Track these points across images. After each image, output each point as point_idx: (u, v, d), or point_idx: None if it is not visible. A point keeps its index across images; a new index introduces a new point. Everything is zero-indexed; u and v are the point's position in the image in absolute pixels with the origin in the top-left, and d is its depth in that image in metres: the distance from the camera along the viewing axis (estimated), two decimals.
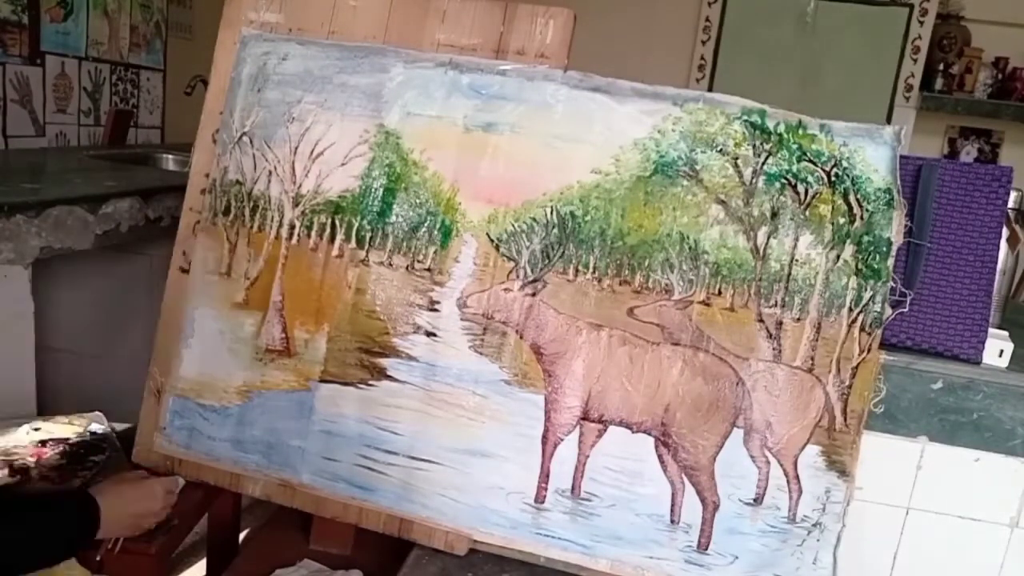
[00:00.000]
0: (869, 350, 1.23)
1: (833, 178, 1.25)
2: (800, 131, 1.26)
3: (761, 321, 1.26)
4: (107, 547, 1.25)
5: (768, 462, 1.26)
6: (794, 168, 1.26)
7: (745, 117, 1.28)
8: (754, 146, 1.27)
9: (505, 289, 1.33)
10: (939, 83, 4.02)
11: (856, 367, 1.24)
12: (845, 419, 1.24)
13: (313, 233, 1.42)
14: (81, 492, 1.15)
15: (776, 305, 1.26)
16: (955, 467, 1.26)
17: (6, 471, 1.41)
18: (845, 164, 1.24)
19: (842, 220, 1.24)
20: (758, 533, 1.26)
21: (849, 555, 1.25)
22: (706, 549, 1.28)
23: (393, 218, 1.39)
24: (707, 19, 4.26)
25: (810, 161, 1.25)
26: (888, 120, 4.04)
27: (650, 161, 1.30)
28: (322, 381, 1.40)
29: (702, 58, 4.29)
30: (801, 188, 1.26)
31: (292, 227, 1.43)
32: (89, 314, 2.17)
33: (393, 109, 1.40)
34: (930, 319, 1.27)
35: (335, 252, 1.41)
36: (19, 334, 1.57)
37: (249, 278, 1.45)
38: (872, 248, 1.23)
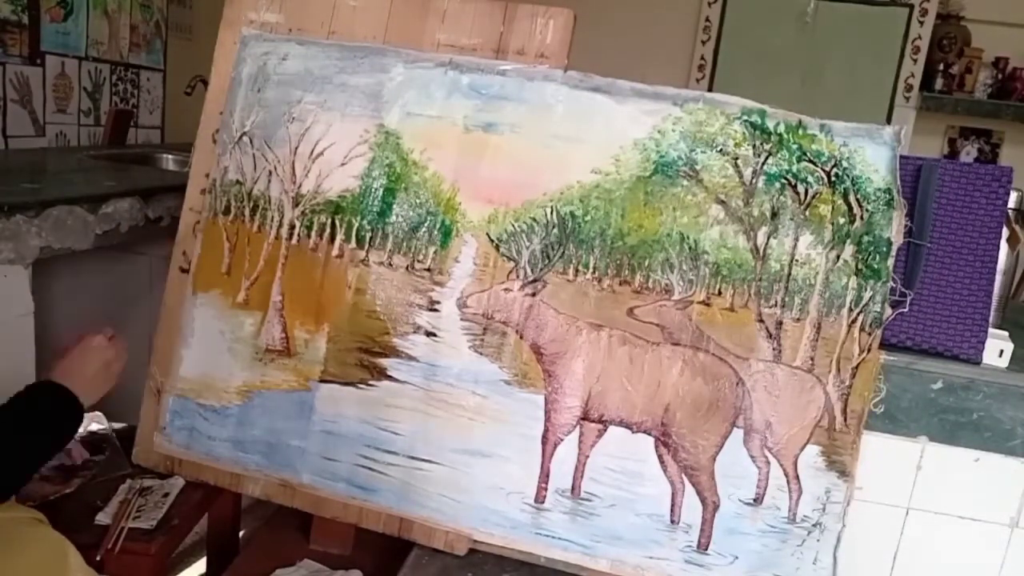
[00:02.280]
0: (869, 350, 1.23)
1: (833, 178, 1.25)
2: (800, 131, 1.26)
3: (761, 321, 1.26)
4: (107, 547, 1.25)
5: (768, 462, 1.26)
6: (794, 168, 1.26)
7: (745, 117, 1.28)
8: (754, 146, 1.27)
9: (505, 289, 1.33)
10: (939, 83, 4.01)
11: (856, 367, 1.24)
12: (845, 419, 1.24)
13: (313, 233, 1.42)
14: (38, 384, 1.15)
15: (776, 305, 1.26)
16: (955, 467, 1.26)
17: None
18: (845, 164, 1.24)
19: (842, 220, 1.24)
20: (758, 533, 1.26)
21: (849, 555, 1.25)
22: (706, 549, 1.28)
23: (393, 218, 1.39)
24: (707, 19, 4.26)
25: (810, 161, 1.25)
26: (888, 120, 4.04)
27: (650, 161, 1.30)
28: (322, 381, 1.40)
29: (702, 58, 4.29)
30: (801, 188, 1.26)
31: (292, 227, 1.43)
32: (89, 314, 2.17)
33: (393, 109, 1.40)
34: (930, 319, 1.27)
35: (335, 252, 1.41)
36: (19, 334, 1.57)
37: (249, 278, 1.45)
38: (872, 248, 1.23)
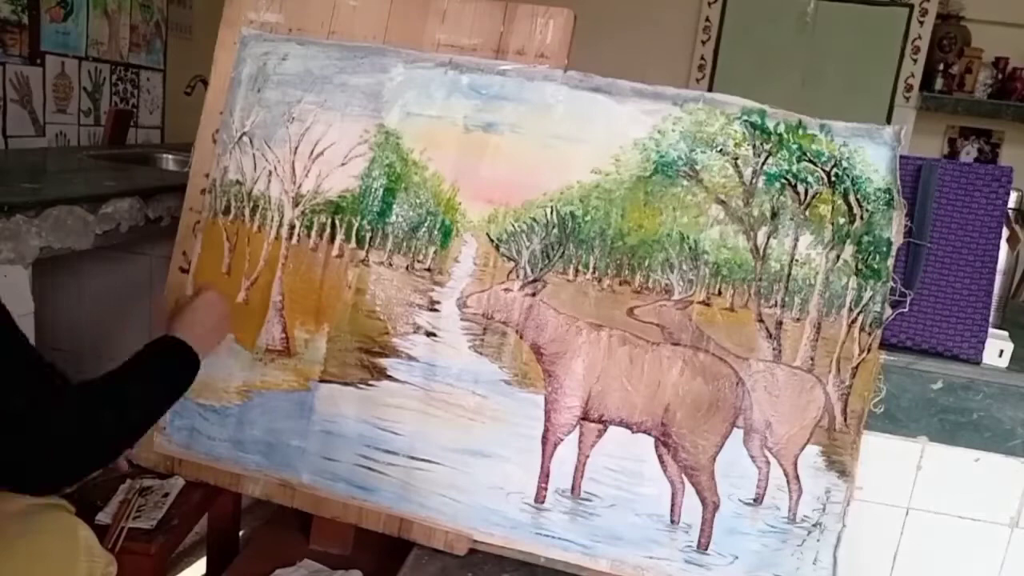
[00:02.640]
0: (869, 350, 1.23)
1: (833, 178, 1.25)
2: (800, 131, 1.26)
3: (761, 321, 1.26)
4: (107, 547, 1.25)
5: (768, 462, 1.26)
6: (794, 168, 1.26)
7: (745, 117, 1.28)
8: (754, 146, 1.27)
9: (505, 289, 1.33)
10: (939, 83, 4.02)
11: (856, 367, 1.24)
12: (845, 419, 1.24)
13: (313, 233, 1.42)
14: (158, 339, 1.21)
15: (776, 305, 1.26)
16: (955, 467, 1.26)
17: None
18: (845, 164, 1.24)
19: (842, 220, 1.24)
20: (758, 533, 1.26)
21: (849, 555, 1.25)
22: (706, 549, 1.28)
23: (393, 218, 1.39)
24: (707, 19, 4.26)
25: (810, 161, 1.25)
26: (888, 120, 4.04)
27: (650, 161, 1.30)
28: (322, 381, 1.40)
29: (702, 58, 4.29)
30: (801, 188, 1.26)
31: (292, 227, 1.43)
32: (89, 314, 2.17)
33: (393, 109, 1.40)
34: (930, 319, 1.26)
35: (335, 252, 1.41)
36: None
37: (249, 278, 1.45)
38: (872, 248, 1.23)
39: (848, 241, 1.24)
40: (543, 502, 1.33)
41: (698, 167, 1.29)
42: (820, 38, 4.13)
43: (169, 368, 1.18)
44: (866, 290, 1.23)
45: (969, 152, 4.19)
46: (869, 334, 1.23)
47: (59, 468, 1.00)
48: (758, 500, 1.27)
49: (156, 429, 1.48)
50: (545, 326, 1.32)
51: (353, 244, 1.40)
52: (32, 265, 1.54)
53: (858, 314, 1.24)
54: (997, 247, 1.26)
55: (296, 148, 1.43)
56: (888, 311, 1.23)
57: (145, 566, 1.27)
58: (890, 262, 1.23)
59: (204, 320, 1.27)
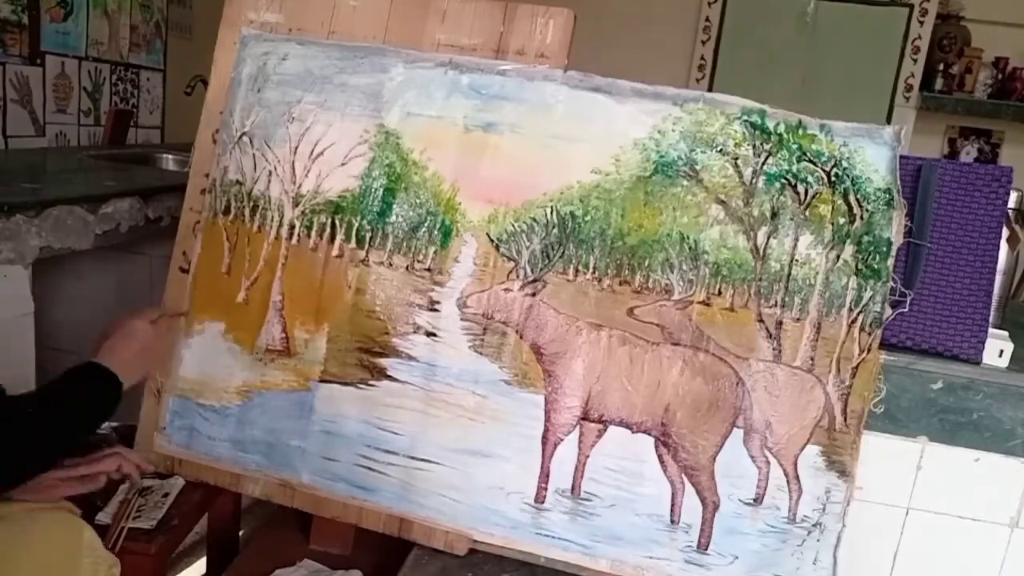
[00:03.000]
0: (869, 350, 1.23)
1: (833, 178, 1.25)
2: (800, 131, 1.26)
3: (761, 321, 1.26)
4: (107, 546, 1.25)
5: (768, 462, 1.26)
6: (794, 168, 1.26)
7: (745, 117, 1.28)
8: (754, 146, 1.27)
9: (505, 289, 1.33)
10: (939, 83, 4.02)
11: (856, 367, 1.24)
12: (845, 419, 1.24)
13: (313, 233, 1.42)
14: (79, 365, 1.17)
15: (776, 305, 1.26)
16: (955, 467, 1.26)
17: None
18: (845, 164, 1.24)
19: (842, 220, 1.24)
20: (758, 533, 1.26)
21: (849, 555, 1.25)
22: (706, 549, 1.28)
23: (393, 218, 1.39)
24: (707, 19, 4.27)
25: (810, 161, 1.25)
26: (888, 120, 4.04)
27: (650, 161, 1.30)
28: (322, 381, 1.40)
29: (702, 58, 4.29)
30: (801, 188, 1.26)
31: (292, 227, 1.43)
32: (89, 314, 2.17)
33: (393, 109, 1.40)
34: (930, 319, 1.26)
35: (335, 252, 1.41)
36: (19, 334, 1.57)
37: (249, 278, 1.45)
38: (872, 248, 1.23)
39: (848, 241, 1.24)
40: (543, 502, 1.33)
41: (698, 167, 1.29)
42: (820, 38, 4.13)
43: (85, 390, 1.14)
44: (866, 290, 1.23)
45: (969, 152, 4.19)
46: (869, 334, 1.23)
47: None
48: (758, 500, 1.27)
49: (156, 429, 1.48)
50: (545, 326, 1.32)
51: (353, 244, 1.40)
52: (32, 265, 1.54)
53: (858, 314, 1.24)
54: (997, 247, 1.26)
55: (296, 148, 1.43)
56: (888, 311, 1.23)
57: (145, 566, 1.27)
58: (890, 262, 1.23)
59: (125, 348, 1.23)
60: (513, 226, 1.33)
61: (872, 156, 1.24)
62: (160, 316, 1.32)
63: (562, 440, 1.32)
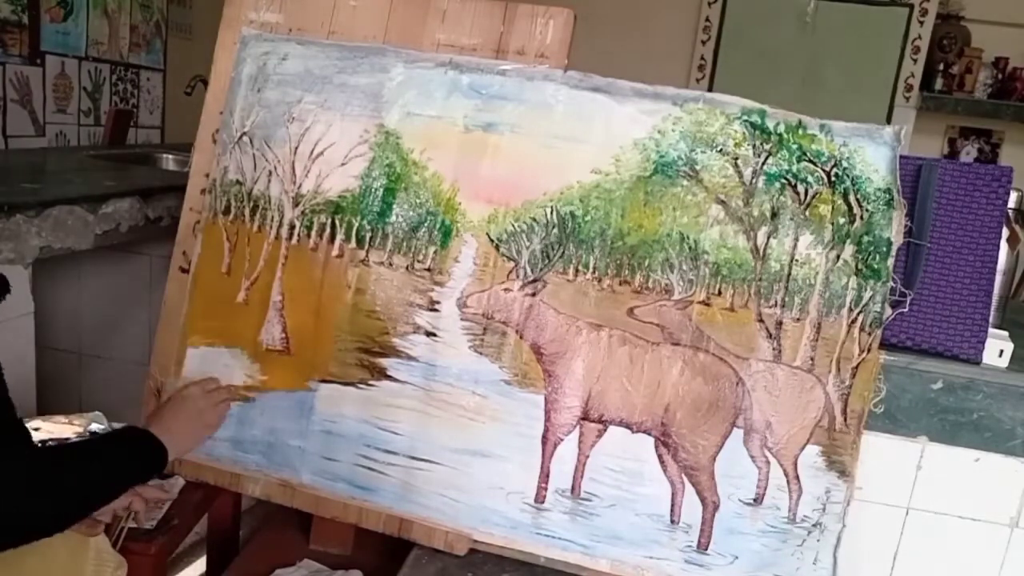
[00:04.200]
0: (869, 350, 1.23)
1: (833, 178, 1.25)
2: (800, 131, 1.26)
3: (761, 321, 1.26)
4: None
5: (768, 462, 1.26)
6: (794, 168, 1.26)
7: (745, 117, 1.28)
8: (754, 146, 1.27)
9: (505, 289, 1.33)
10: (939, 83, 4.02)
11: (856, 367, 1.24)
12: (845, 419, 1.24)
13: (313, 233, 1.42)
14: (139, 432, 1.17)
15: (776, 305, 1.26)
16: (955, 467, 1.26)
17: None
18: (845, 164, 1.24)
19: (842, 220, 1.24)
20: (758, 533, 1.26)
21: (849, 555, 1.25)
22: (706, 549, 1.28)
23: (393, 218, 1.39)
24: (707, 19, 4.27)
25: (810, 161, 1.25)
26: (888, 120, 4.04)
27: (650, 161, 1.30)
28: (322, 381, 1.40)
29: (702, 58, 4.29)
30: (801, 188, 1.26)
31: (292, 227, 1.43)
32: (89, 314, 2.17)
33: (393, 109, 1.40)
34: (930, 319, 1.26)
35: (335, 252, 1.41)
36: (19, 334, 1.57)
37: (249, 278, 1.45)
38: (872, 248, 1.23)
39: (848, 241, 1.24)
40: (543, 502, 1.33)
41: (698, 167, 1.29)
42: (820, 38, 4.13)
43: (130, 455, 1.13)
44: (866, 290, 1.23)
45: (969, 152, 4.19)
46: (869, 334, 1.23)
47: None
48: (758, 500, 1.27)
49: None
50: (545, 326, 1.32)
51: (353, 244, 1.40)
52: (32, 265, 1.54)
53: (858, 314, 1.24)
54: (997, 247, 1.26)
55: (296, 148, 1.43)
56: (888, 311, 1.23)
57: (145, 566, 1.27)
58: (890, 262, 1.23)
59: (179, 414, 1.25)
60: (513, 226, 1.33)
61: (872, 156, 1.24)
62: (216, 387, 1.36)
63: (562, 440, 1.32)
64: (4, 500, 0.90)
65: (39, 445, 1.01)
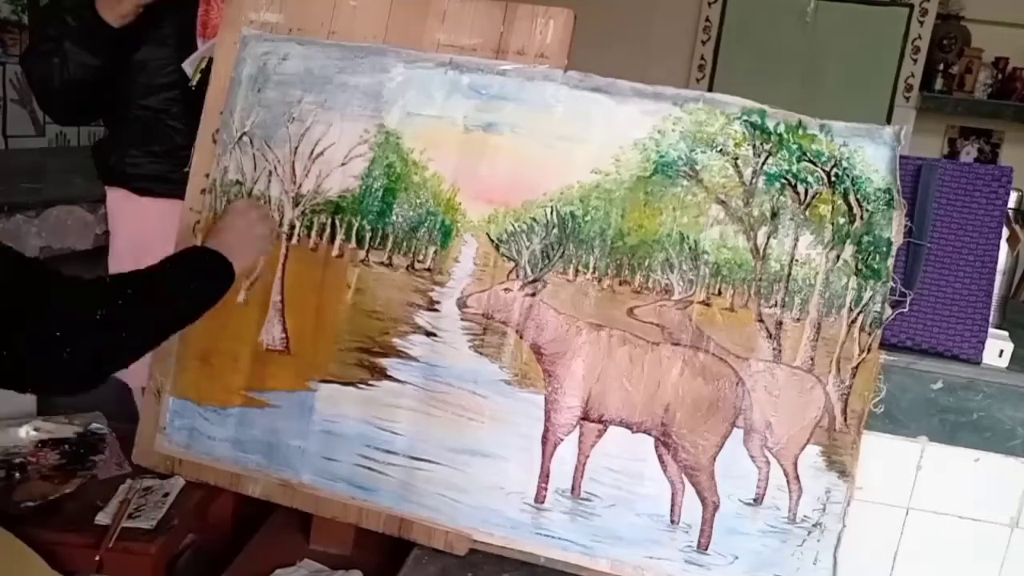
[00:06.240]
0: (869, 350, 1.23)
1: (833, 178, 1.25)
2: (800, 131, 1.26)
3: (761, 321, 1.26)
4: (107, 545, 1.25)
5: (768, 462, 1.26)
6: (794, 168, 1.26)
7: (745, 117, 1.28)
8: (754, 146, 1.27)
9: (505, 289, 1.33)
10: (939, 83, 4.02)
11: (856, 367, 1.24)
12: (845, 419, 1.24)
13: (313, 233, 1.42)
14: (200, 251, 1.18)
15: (776, 305, 1.26)
16: (955, 467, 1.26)
17: (5, 471, 1.42)
18: (845, 164, 1.24)
19: (842, 220, 1.24)
20: (758, 533, 1.26)
21: (849, 555, 1.25)
22: (706, 549, 1.28)
23: (393, 218, 1.39)
24: (707, 19, 4.27)
25: (810, 161, 1.25)
26: (888, 120, 4.04)
27: (650, 161, 1.30)
28: (322, 381, 1.40)
29: (702, 58, 4.29)
30: (801, 188, 1.26)
31: (292, 227, 1.43)
32: None
33: (393, 109, 1.40)
34: (930, 319, 1.26)
35: (335, 252, 1.41)
36: None
37: (249, 278, 1.45)
38: (872, 248, 1.23)
39: (848, 241, 1.24)
40: (543, 502, 1.33)
41: (698, 167, 1.29)
42: (820, 38, 4.13)
43: (195, 272, 1.14)
44: (866, 290, 1.23)
45: (969, 152, 4.19)
46: (869, 334, 1.23)
47: (74, 363, 0.93)
48: (758, 500, 1.27)
49: (156, 429, 1.48)
50: (545, 326, 1.32)
51: (353, 244, 1.40)
52: None
53: (858, 314, 1.24)
54: (997, 247, 1.26)
55: (296, 148, 1.43)
56: (888, 311, 1.23)
57: (145, 566, 1.27)
58: (890, 262, 1.23)
59: (234, 227, 1.25)
60: (513, 226, 1.33)
61: (872, 156, 1.24)
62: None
63: (562, 440, 1.32)
64: (79, 335, 0.91)
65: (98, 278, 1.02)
